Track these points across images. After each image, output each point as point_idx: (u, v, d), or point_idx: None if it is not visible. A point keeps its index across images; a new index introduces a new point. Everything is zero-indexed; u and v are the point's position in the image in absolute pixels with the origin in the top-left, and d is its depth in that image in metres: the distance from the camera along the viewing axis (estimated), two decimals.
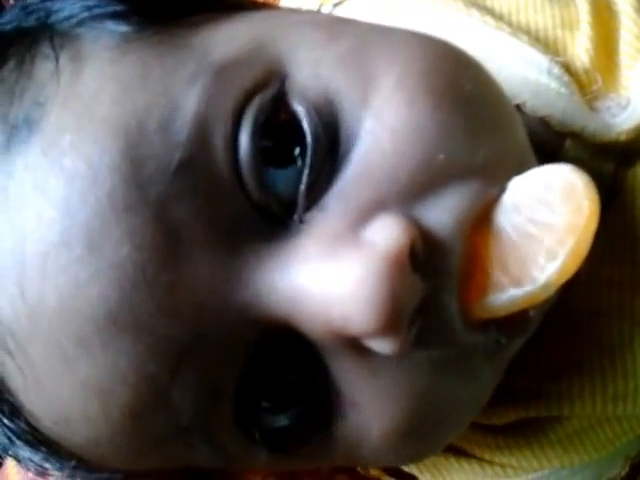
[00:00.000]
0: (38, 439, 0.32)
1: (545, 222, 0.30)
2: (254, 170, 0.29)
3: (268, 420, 0.32)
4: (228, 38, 0.32)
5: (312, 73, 0.30)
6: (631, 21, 0.40)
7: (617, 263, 0.39)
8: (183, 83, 0.29)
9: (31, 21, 0.34)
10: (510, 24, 0.41)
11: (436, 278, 0.30)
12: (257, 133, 0.29)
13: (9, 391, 0.31)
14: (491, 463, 0.43)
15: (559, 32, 0.41)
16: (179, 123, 0.28)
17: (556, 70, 0.39)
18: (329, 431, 0.32)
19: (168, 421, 0.30)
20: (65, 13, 0.33)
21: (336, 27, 0.34)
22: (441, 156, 0.30)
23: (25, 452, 0.33)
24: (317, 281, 0.29)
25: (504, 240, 0.30)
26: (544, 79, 0.39)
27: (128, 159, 0.28)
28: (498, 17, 0.42)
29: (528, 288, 0.29)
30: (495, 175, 0.31)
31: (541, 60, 0.40)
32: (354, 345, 0.30)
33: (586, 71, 0.40)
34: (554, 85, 0.39)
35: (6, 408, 0.32)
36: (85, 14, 0.33)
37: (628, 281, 0.39)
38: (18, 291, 0.29)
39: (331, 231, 0.29)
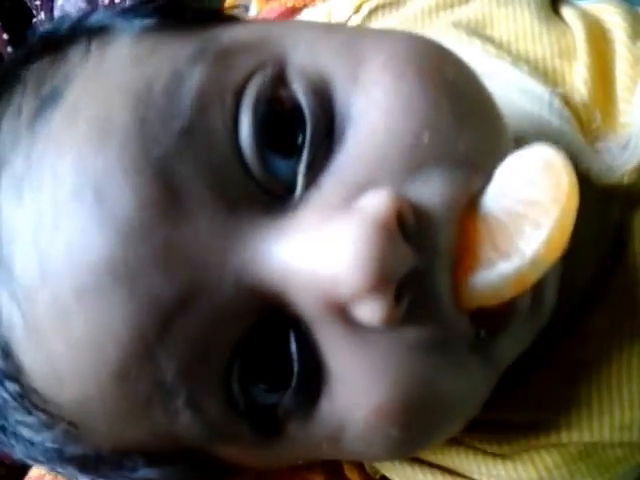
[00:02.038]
0: (32, 402, 0.32)
1: (530, 199, 0.30)
2: (255, 150, 0.31)
3: (259, 396, 0.32)
4: (236, 32, 0.35)
5: (309, 58, 0.33)
6: (626, 49, 0.42)
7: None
8: (188, 58, 0.32)
9: (66, 27, 0.37)
10: (510, 53, 0.43)
11: (428, 253, 0.30)
12: (258, 111, 0.31)
13: (14, 353, 0.32)
14: None
15: (557, 62, 0.43)
16: (183, 92, 0.31)
17: (556, 104, 0.41)
18: (315, 410, 0.32)
19: (153, 381, 0.30)
20: (96, 18, 0.37)
21: (333, 26, 0.37)
22: (426, 134, 0.31)
23: (18, 416, 0.34)
24: (308, 248, 0.30)
25: (493, 221, 0.31)
26: (546, 114, 0.41)
27: (136, 117, 0.30)
28: (498, 45, 0.44)
29: (516, 262, 0.30)
30: (481, 163, 0.32)
31: (542, 92, 0.41)
32: (345, 318, 0.30)
33: (585, 105, 0.41)
34: (556, 123, 0.40)
35: (11, 368, 0.32)
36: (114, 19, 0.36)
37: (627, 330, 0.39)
38: (32, 240, 0.30)
39: (325, 204, 0.31)
